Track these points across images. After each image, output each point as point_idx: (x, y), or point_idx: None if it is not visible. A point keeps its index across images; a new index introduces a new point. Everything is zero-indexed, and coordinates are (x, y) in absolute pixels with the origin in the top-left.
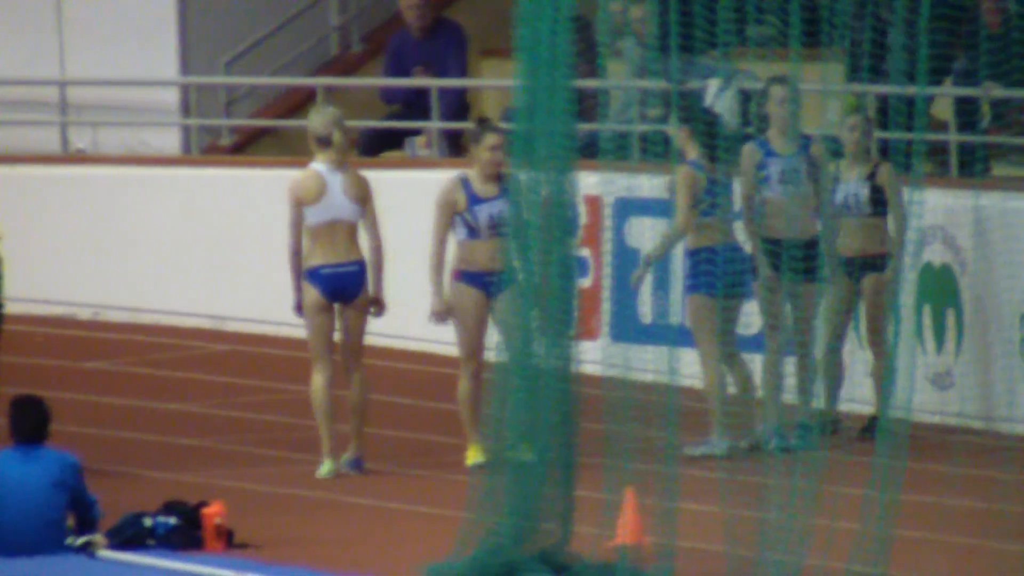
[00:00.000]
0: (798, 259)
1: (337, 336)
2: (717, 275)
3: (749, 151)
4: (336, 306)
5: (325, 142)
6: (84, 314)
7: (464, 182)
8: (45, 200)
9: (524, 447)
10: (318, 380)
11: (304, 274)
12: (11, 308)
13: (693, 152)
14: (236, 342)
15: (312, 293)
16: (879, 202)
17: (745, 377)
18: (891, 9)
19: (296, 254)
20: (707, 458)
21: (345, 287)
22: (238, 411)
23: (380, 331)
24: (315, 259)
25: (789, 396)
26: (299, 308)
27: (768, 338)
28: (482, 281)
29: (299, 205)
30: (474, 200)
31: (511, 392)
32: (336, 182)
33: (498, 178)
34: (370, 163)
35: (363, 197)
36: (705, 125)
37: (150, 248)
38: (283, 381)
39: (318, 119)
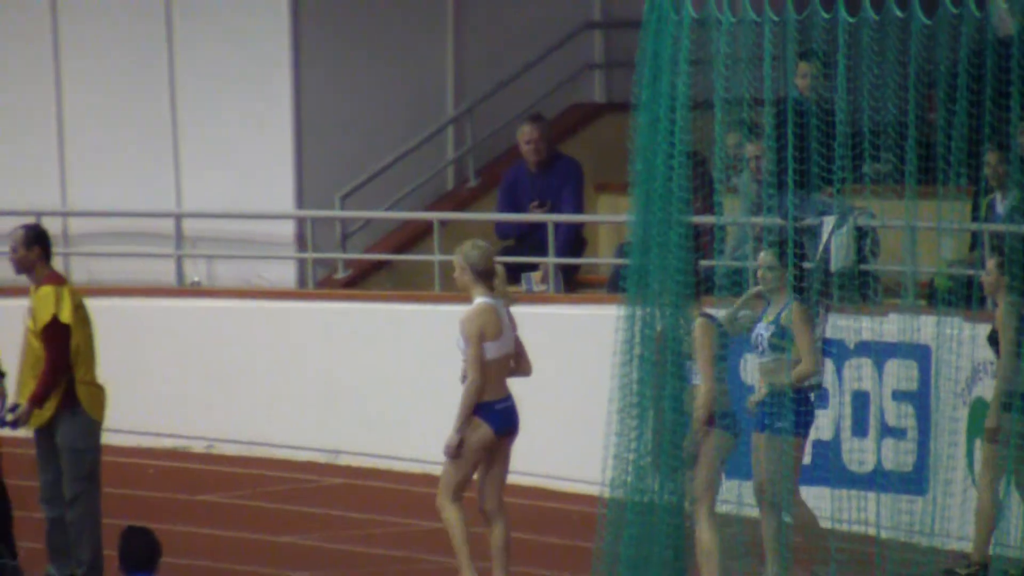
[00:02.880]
0: None
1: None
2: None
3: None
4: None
5: (488, 275)
6: (197, 447)
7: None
8: (160, 332)
9: None
10: (459, 515)
11: (474, 410)
12: (124, 440)
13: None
14: (349, 476)
15: (484, 429)
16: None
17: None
18: (1006, 146)
19: (480, 391)
20: None
21: (513, 421)
22: (351, 544)
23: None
24: (489, 395)
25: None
26: (460, 446)
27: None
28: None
29: (483, 340)
30: None
31: (625, 527)
32: (506, 315)
33: None
34: None
35: (515, 329)
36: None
37: (264, 381)
38: (396, 515)
39: (476, 252)
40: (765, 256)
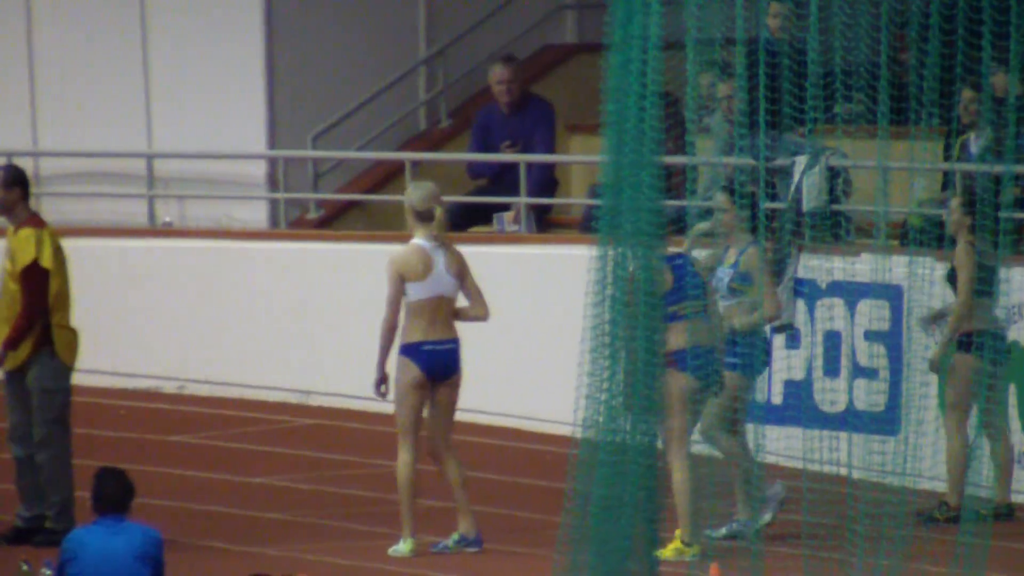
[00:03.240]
0: None
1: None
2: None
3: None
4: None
5: (426, 217)
6: (169, 388)
7: None
8: (132, 273)
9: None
10: (405, 458)
11: (401, 351)
12: (96, 381)
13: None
14: (321, 416)
15: (412, 370)
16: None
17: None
18: (979, 87)
19: (392, 330)
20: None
21: (446, 364)
22: (323, 485)
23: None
24: (415, 336)
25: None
26: (380, 384)
27: None
28: None
29: (401, 281)
30: None
31: (598, 467)
32: (440, 258)
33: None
34: (458, 238)
35: (462, 273)
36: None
37: (236, 322)
38: (368, 456)
39: (417, 194)
40: (717, 197)
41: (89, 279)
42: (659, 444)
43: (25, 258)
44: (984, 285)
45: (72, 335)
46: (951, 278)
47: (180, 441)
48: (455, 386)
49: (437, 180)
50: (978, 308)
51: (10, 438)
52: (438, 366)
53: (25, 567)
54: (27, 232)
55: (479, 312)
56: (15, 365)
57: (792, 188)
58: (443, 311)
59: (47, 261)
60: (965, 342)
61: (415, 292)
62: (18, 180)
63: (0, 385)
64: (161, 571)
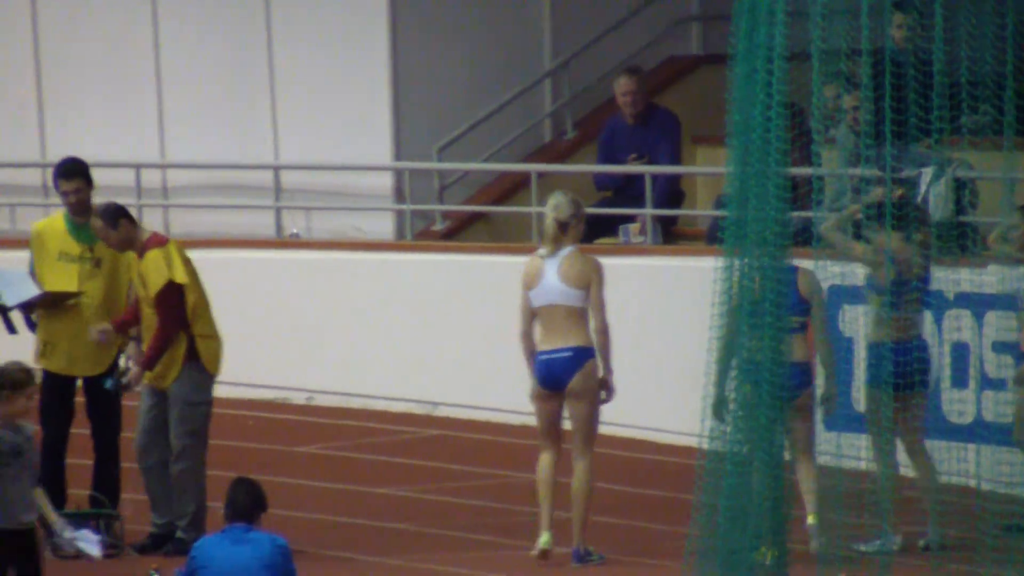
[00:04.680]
0: None
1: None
2: (888, 370)
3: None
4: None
5: (559, 228)
6: (297, 399)
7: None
8: (259, 284)
9: (764, 550)
10: (544, 459)
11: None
12: (225, 392)
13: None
14: (447, 427)
15: (533, 379)
16: None
17: (926, 473)
18: None
19: (522, 337)
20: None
21: (558, 373)
22: (448, 496)
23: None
24: (539, 345)
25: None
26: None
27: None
28: None
29: (524, 290)
30: None
31: (724, 478)
32: (552, 267)
33: None
34: (584, 250)
35: (582, 281)
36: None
37: (363, 333)
38: (493, 466)
39: (551, 204)
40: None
41: (216, 290)
42: (786, 455)
43: (159, 280)
44: None
45: (216, 344)
46: None
47: (307, 452)
48: (578, 396)
49: (561, 192)
50: None
51: (138, 445)
52: (550, 375)
53: (155, 575)
54: (154, 254)
55: (594, 324)
56: (162, 386)
57: (919, 199)
58: (558, 319)
59: (180, 276)
60: None
61: (532, 300)
62: (116, 214)
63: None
64: None
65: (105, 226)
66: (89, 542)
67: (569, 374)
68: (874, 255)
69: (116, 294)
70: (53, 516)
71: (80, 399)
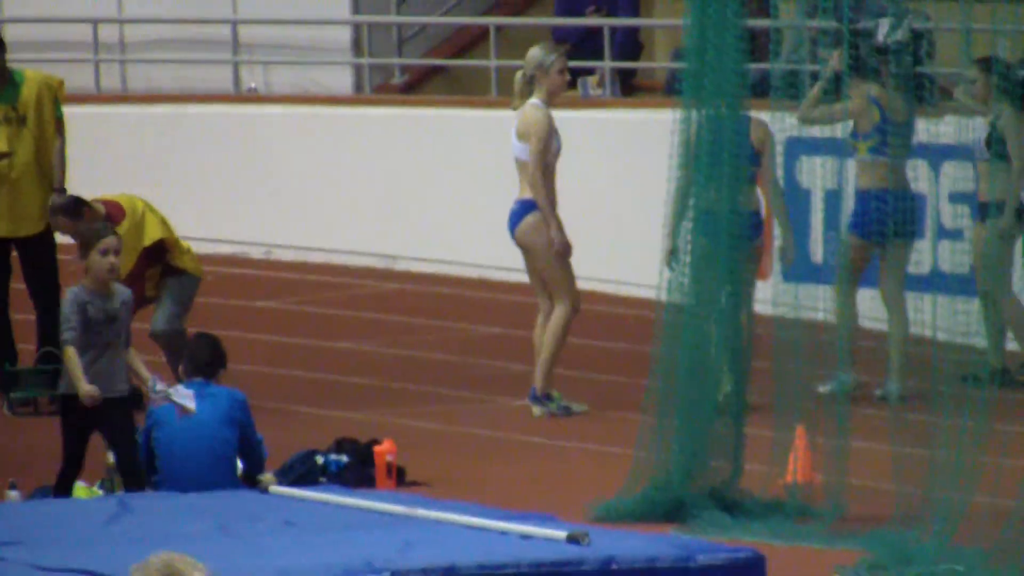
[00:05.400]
0: None
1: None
2: (874, 219)
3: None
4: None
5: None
6: (256, 253)
7: None
8: (217, 139)
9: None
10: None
11: None
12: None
13: (862, 90)
14: (407, 281)
15: None
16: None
17: (899, 324)
18: None
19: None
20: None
21: (510, 228)
22: (409, 350)
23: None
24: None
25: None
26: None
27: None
28: None
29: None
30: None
31: (683, 330)
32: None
33: None
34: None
35: (525, 135)
36: (879, 62)
37: (321, 187)
38: (454, 320)
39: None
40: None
41: (174, 145)
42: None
43: (134, 254)
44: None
45: (190, 252)
46: (989, 142)
47: (266, 307)
48: (525, 249)
49: (520, 45)
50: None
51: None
52: (509, 228)
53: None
54: (123, 227)
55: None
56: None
57: (878, 44)
58: (518, 172)
59: (150, 237)
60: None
61: None
62: (79, 205)
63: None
64: (248, 432)
65: (69, 221)
66: (184, 397)
67: (513, 228)
68: (858, 104)
69: (45, 149)
70: (145, 372)
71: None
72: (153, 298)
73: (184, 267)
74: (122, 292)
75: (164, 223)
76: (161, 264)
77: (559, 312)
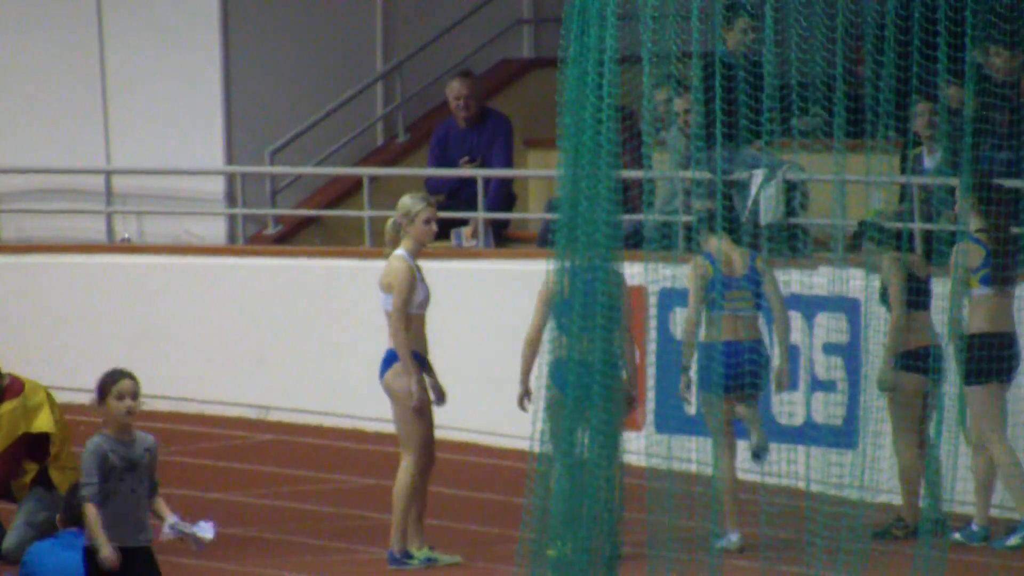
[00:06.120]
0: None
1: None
2: (717, 372)
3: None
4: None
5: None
6: None
7: None
8: (90, 289)
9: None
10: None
11: None
12: (56, 397)
13: (710, 244)
14: (280, 432)
15: None
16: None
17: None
18: (936, 99)
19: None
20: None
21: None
22: (282, 500)
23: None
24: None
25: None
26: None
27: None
28: None
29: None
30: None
31: (556, 481)
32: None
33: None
34: (422, 253)
35: (388, 286)
36: (728, 215)
37: (194, 338)
38: (326, 471)
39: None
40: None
41: (46, 295)
42: (617, 458)
43: (12, 433)
44: (917, 296)
45: (75, 471)
46: (884, 296)
47: None
48: (388, 397)
49: (394, 195)
50: (915, 322)
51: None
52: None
53: None
54: (10, 405)
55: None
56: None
57: (750, 202)
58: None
59: (41, 425)
60: (907, 361)
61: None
62: None
63: None
64: None
65: None
66: (204, 530)
67: (381, 375)
68: (697, 263)
69: None
70: (167, 514)
71: None
72: (15, 493)
73: (58, 486)
74: (145, 439)
75: (61, 425)
76: (39, 466)
77: (403, 467)
